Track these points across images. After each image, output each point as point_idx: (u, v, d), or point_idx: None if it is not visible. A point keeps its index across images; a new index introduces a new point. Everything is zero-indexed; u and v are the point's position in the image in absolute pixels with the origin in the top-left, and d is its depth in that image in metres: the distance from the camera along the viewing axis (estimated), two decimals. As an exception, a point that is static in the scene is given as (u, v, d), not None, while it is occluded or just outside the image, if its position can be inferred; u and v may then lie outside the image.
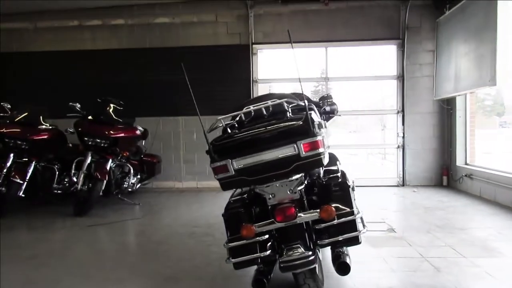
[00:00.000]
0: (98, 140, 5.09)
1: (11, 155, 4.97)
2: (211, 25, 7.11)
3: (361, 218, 2.30)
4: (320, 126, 2.18)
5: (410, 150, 7.04)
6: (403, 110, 7.02)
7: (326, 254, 2.87)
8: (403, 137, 7.04)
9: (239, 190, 2.64)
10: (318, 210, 2.19)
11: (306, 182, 2.39)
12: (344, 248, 2.38)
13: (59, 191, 5.44)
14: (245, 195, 2.49)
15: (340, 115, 3.84)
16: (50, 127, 5.34)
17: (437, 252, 3.40)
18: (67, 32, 7.29)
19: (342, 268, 2.21)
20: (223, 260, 2.35)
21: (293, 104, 2.31)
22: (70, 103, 5.15)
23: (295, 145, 2.09)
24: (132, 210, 5.53)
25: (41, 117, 5.30)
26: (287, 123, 2.14)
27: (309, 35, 6.97)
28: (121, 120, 5.33)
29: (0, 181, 4.84)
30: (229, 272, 2.38)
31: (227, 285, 2.83)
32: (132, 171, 5.79)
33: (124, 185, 5.74)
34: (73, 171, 5.23)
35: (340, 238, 2.21)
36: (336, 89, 8.20)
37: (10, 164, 4.93)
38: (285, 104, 2.21)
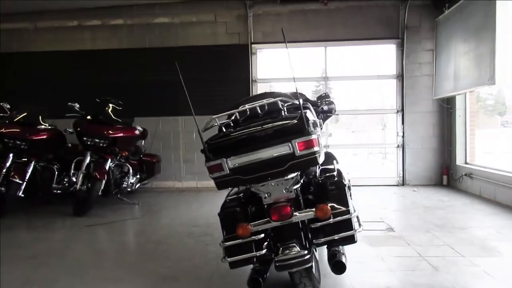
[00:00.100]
0: (97, 140, 5.09)
1: (11, 155, 4.97)
2: (210, 25, 7.12)
3: (357, 217, 2.30)
4: (315, 124, 2.18)
5: (410, 150, 7.03)
6: (402, 110, 7.01)
7: (323, 253, 2.86)
8: (403, 136, 7.03)
9: (235, 189, 2.64)
10: (314, 209, 2.19)
11: (302, 181, 2.39)
12: (340, 247, 2.38)
13: (58, 191, 5.43)
14: (241, 194, 2.49)
15: (338, 114, 3.84)
16: (49, 127, 5.35)
17: (435, 251, 3.39)
18: (67, 32, 7.30)
19: (338, 267, 2.20)
20: (220, 259, 2.35)
21: (288, 103, 2.30)
22: (69, 103, 5.15)
23: (290, 144, 2.08)
24: (131, 210, 5.54)
25: (40, 117, 5.30)
26: (281, 122, 2.14)
27: (308, 34, 6.97)
28: (120, 120, 5.33)
29: (-1, 181, 4.86)
30: (227, 271, 2.38)
31: (224, 284, 2.83)
32: (131, 171, 5.79)
33: (123, 185, 5.74)
34: (72, 171, 5.23)
35: (336, 237, 2.20)
36: (337, 89, 8.20)
37: (10, 164, 4.93)
38: (280, 103, 2.20)
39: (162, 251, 3.66)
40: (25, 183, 4.93)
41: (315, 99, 3.57)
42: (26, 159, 5.07)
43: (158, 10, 7.14)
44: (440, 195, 6.02)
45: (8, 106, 5.46)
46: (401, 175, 7.07)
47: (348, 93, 8.51)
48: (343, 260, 2.22)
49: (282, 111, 2.21)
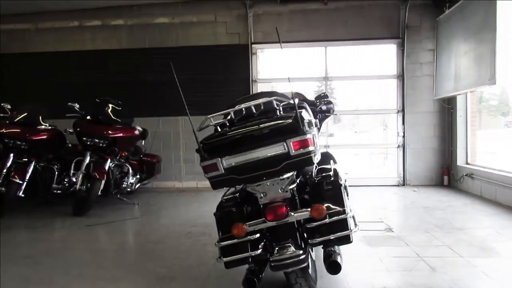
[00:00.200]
0: (97, 140, 5.10)
1: (11, 155, 4.99)
2: (210, 25, 7.12)
3: (353, 217, 2.29)
4: (310, 124, 2.17)
5: (410, 150, 7.01)
6: (403, 110, 6.99)
7: (320, 253, 2.85)
8: (404, 136, 7.01)
9: (232, 189, 2.64)
10: (309, 209, 2.18)
11: (298, 181, 2.39)
12: (336, 247, 2.37)
13: (58, 191, 5.45)
14: (237, 194, 2.48)
15: (336, 114, 3.84)
16: (49, 127, 5.36)
17: (434, 251, 3.37)
18: (68, 33, 7.33)
19: (333, 267, 2.19)
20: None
21: (284, 103, 2.29)
22: (69, 103, 5.17)
23: (284, 144, 2.08)
24: (131, 210, 5.55)
25: (40, 117, 5.32)
26: (276, 121, 2.13)
27: (309, 34, 6.96)
28: (119, 120, 5.34)
29: (0, 181, 4.86)
30: (223, 271, 2.38)
31: (220, 284, 2.83)
32: (131, 171, 5.80)
33: (123, 185, 5.75)
34: (72, 171, 5.25)
35: (332, 237, 2.19)
36: (338, 89, 8.19)
37: (10, 164, 4.95)
38: (275, 102, 2.19)
39: (160, 250, 3.67)
40: (25, 183, 4.94)
41: (313, 99, 3.57)
42: (26, 159, 5.07)
43: (158, 10, 7.15)
44: (440, 196, 6.00)
45: (9, 107, 5.48)
46: (402, 175, 7.05)
47: (349, 93, 8.49)
48: (339, 260, 2.21)
49: (278, 111, 2.20)
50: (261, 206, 2.26)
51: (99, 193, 5.11)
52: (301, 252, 2.17)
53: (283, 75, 7.32)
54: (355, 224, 2.28)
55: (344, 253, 3.23)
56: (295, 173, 2.30)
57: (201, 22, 7.13)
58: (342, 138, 10.37)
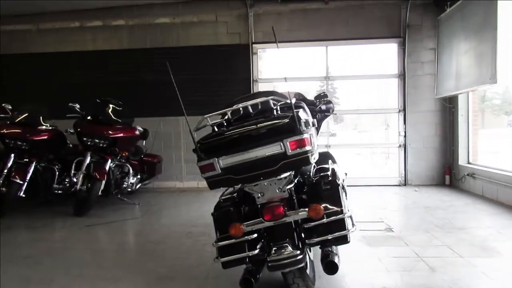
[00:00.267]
0: (97, 140, 5.10)
1: (12, 155, 5.00)
2: (211, 25, 7.11)
3: (351, 217, 2.28)
4: (307, 124, 2.16)
5: (412, 149, 6.98)
6: (404, 109, 6.96)
7: (319, 253, 2.85)
8: (405, 136, 6.99)
9: (230, 189, 2.64)
10: (307, 209, 2.17)
11: (296, 181, 2.38)
12: (334, 247, 2.36)
13: (59, 191, 5.45)
14: (235, 194, 2.48)
15: (336, 114, 3.82)
16: (50, 128, 5.38)
17: (434, 251, 3.36)
18: (69, 33, 7.34)
19: (330, 267, 2.19)
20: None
21: (282, 102, 2.28)
22: (70, 104, 5.18)
23: (281, 143, 2.08)
24: (131, 210, 5.55)
25: (41, 117, 5.33)
26: (273, 121, 2.13)
27: (309, 34, 6.94)
28: (120, 120, 5.34)
29: (1, 181, 4.88)
30: (222, 271, 2.37)
31: (219, 284, 2.82)
32: (131, 171, 5.81)
33: (124, 185, 5.76)
34: (73, 171, 5.26)
35: (329, 237, 2.19)
36: (340, 89, 8.17)
37: (11, 165, 4.96)
38: (271, 102, 2.19)
39: (160, 250, 3.67)
40: (26, 183, 4.95)
41: (312, 99, 3.56)
42: (27, 160, 5.08)
43: (159, 10, 7.14)
44: (441, 195, 5.97)
45: (10, 107, 5.50)
46: (403, 175, 7.02)
47: (351, 93, 8.46)
48: (336, 260, 2.20)
49: (275, 110, 2.19)
50: (259, 206, 2.26)
51: (100, 193, 5.12)
52: (298, 252, 2.16)
53: (284, 74, 7.35)
54: (353, 224, 2.27)
55: (344, 253, 3.23)
56: (293, 173, 2.29)
57: (202, 22, 7.13)
58: (344, 137, 10.35)
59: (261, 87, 7.16)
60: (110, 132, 5.19)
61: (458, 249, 3.38)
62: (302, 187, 2.42)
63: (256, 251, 2.22)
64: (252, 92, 6.98)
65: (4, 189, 4.86)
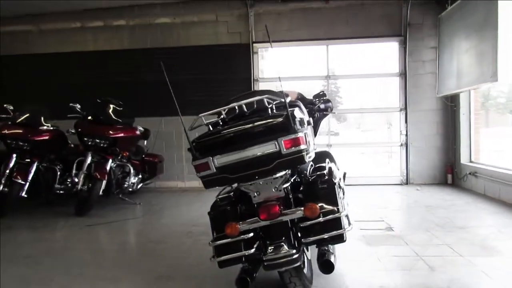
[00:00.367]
0: (98, 140, 5.11)
1: (14, 155, 5.03)
2: (211, 24, 7.12)
3: (347, 216, 2.27)
4: (302, 122, 2.16)
5: (413, 148, 6.95)
6: (406, 108, 6.93)
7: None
8: (406, 135, 6.96)
9: (227, 188, 2.63)
10: (302, 208, 2.17)
11: (292, 180, 2.37)
12: (331, 246, 2.36)
13: (61, 191, 5.46)
14: (231, 193, 2.48)
15: (334, 113, 3.82)
16: (51, 128, 5.40)
17: (433, 251, 3.34)
18: (70, 34, 7.37)
19: (326, 266, 2.19)
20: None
21: (277, 101, 2.28)
22: (71, 104, 5.21)
23: (276, 142, 2.07)
24: (132, 210, 5.57)
25: (42, 118, 5.36)
26: (267, 120, 2.12)
27: (310, 33, 6.94)
28: (120, 120, 5.35)
29: (3, 181, 4.90)
30: (220, 271, 2.37)
31: (217, 283, 2.82)
32: (132, 171, 5.82)
33: (125, 185, 5.77)
34: (74, 172, 5.27)
35: (326, 235, 2.18)
36: (343, 88, 8.14)
37: (13, 165, 4.99)
38: (266, 101, 2.18)
39: (160, 250, 3.67)
40: (27, 183, 4.97)
41: (311, 98, 3.56)
42: (29, 160, 5.10)
43: (159, 10, 7.16)
44: (443, 194, 5.95)
45: (11, 108, 5.51)
46: (405, 174, 7.00)
47: (352, 92, 8.44)
48: (332, 259, 2.20)
49: (269, 109, 2.19)
50: (255, 205, 2.26)
51: (101, 193, 5.12)
52: (294, 251, 2.16)
53: (286, 74, 7.35)
54: (349, 223, 2.27)
55: (343, 252, 3.24)
56: (289, 171, 2.29)
57: (202, 22, 7.14)
58: (347, 137, 10.33)
59: (262, 86, 7.15)
60: (111, 132, 5.20)
61: (458, 248, 3.36)
62: (299, 186, 2.42)
63: (252, 250, 2.22)
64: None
65: (6, 189, 4.87)
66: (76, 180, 5.15)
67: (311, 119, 2.68)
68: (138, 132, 5.65)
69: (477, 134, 6.55)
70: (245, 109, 2.26)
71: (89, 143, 5.13)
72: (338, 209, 2.20)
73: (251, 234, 2.23)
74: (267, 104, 2.18)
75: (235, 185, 2.41)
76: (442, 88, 6.51)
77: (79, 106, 5.24)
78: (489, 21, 4.82)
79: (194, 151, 2.19)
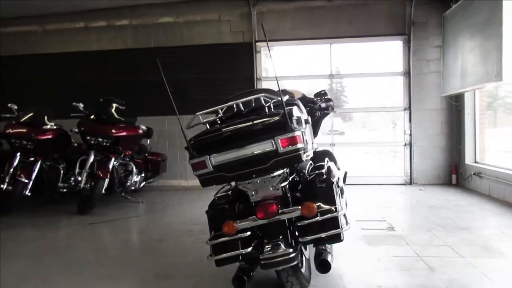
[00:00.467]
0: (100, 139, 5.15)
1: (18, 154, 5.07)
2: (214, 23, 7.13)
3: (345, 215, 2.26)
4: (299, 121, 2.15)
5: (417, 148, 6.91)
6: (409, 107, 6.89)
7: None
8: (410, 134, 6.92)
9: (227, 187, 2.63)
10: (300, 207, 2.16)
11: (290, 179, 2.37)
12: (328, 246, 2.35)
13: (64, 190, 5.51)
14: (229, 192, 2.48)
15: (335, 112, 3.79)
16: (55, 127, 5.44)
17: (434, 251, 3.31)
18: (74, 34, 7.43)
19: (322, 265, 2.18)
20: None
21: (275, 100, 2.27)
22: (74, 103, 5.25)
23: (273, 141, 2.06)
24: (135, 208, 5.59)
25: (45, 117, 5.39)
26: (264, 119, 2.12)
27: (313, 32, 6.92)
28: (122, 119, 5.38)
29: (7, 180, 4.94)
30: (219, 269, 2.37)
31: (214, 282, 2.82)
32: (135, 169, 5.84)
33: (128, 184, 5.79)
34: (77, 170, 5.31)
35: (323, 235, 2.17)
36: (347, 86, 8.11)
37: (17, 164, 5.03)
38: (262, 99, 2.18)
39: (160, 248, 3.68)
40: (31, 182, 5.01)
41: (312, 97, 3.54)
42: (32, 159, 5.14)
43: (162, 10, 7.19)
44: (447, 195, 5.90)
45: (16, 107, 5.56)
46: (409, 174, 6.95)
47: (356, 91, 8.41)
48: (329, 259, 2.19)
49: (266, 108, 2.18)
50: (253, 204, 2.25)
51: (103, 191, 5.15)
52: (291, 250, 2.15)
53: (289, 73, 7.34)
54: (347, 223, 2.25)
55: (343, 252, 3.24)
56: (288, 170, 2.28)
57: (205, 21, 7.15)
58: (353, 136, 10.29)
59: (265, 85, 7.14)
60: (113, 131, 5.23)
61: (459, 249, 3.33)
62: (298, 185, 2.41)
63: (249, 249, 2.21)
64: (255, 90, 6.98)
65: (10, 187, 4.91)
66: (79, 178, 5.19)
67: (309, 118, 2.67)
68: (140, 131, 5.67)
69: (482, 134, 6.48)
70: (242, 108, 2.25)
71: (92, 142, 5.17)
72: (335, 208, 2.19)
73: (248, 233, 2.23)
74: (264, 103, 2.17)
75: (234, 183, 2.41)
76: (447, 88, 6.45)
77: (82, 105, 5.28)
78: (493, 20, 4.77)
79: (191, 150, 2.19)
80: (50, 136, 5.29)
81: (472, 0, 5.40)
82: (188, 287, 2.79)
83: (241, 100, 2.24)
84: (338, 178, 2.52)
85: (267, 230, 2.23)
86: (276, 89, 2.80)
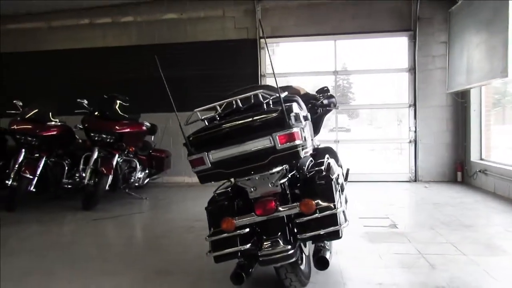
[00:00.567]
0: (104, 136, 5.17)
1: (22, 151, 5.12)
2: (218, 20, 7.13)
3: (344, 212, 2.25)
4: (297, 117, 2.14)
5: (422, 145, 6.85)
6: (415, 104, 6.83)
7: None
8: (415, 131, 6.86)
9: (226, 184, 2.63)
10: (298, 204, 2.16)
11: (290, 175, 2.36)
12: (327, 243, 2.34)
13: (69, 186, 5.55)
14: (229, 189, 2.48)
15: (338, 108, 3.77)
16: (59, 123, 5.47)
17: (436, 249, 3.29)
18: (79, 31, 7.46)
19: (321, 262, 2.17)
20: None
21: (274, 96, 2.26)
22: (78, 100, 5.29)
23: (270, 137, 2.05)
24: (138, 204, 5.62)
25: (50, 113, 5.43)
26: (262, 115, 2.11)
27: (317, 28, 6.88)
28: (126, 116, 5.41)
29: (12, 176, 4.99)
30: (218, 266, 2.38)
31: (214, 278, 2.82)
32: (138, 166, 5.87)
33: (131, 180, 5.82)
34: (81, 166, 5.34)
35: (321, 231, 2.16)
36: (355, 84, 8.07)
37: (21, 160, 5.08)
38: (260, 96, 2.17)
39: (161, 245, 3.70)
40: (36, 178, 5.06)
41: (314, 93, 3.52)
42: (37, 155, 5.19)
43: (167, 6, 7.19)
44: (452, 192, 5.85)
45: (21, 104, 5.60)
46: (414, 171, 6.90)
47: (361, 88, 8.37)
48: (327, 256, 2.18)
49: (265, 104, 2.17)
50: (252, 200, 2.25)
51: (107, 187, 5.19)
52: (289, 247, 2.14)
53: (294, 69, 7.31)
54: (346, 220, 2.24)
55: (344, 249, 3.23)
56: (287, 167, 2.27)
57: (209, 18, 7.14)
58: (359, 133, 10.25)
59: (269, 82, 7.12)
60: (117, 127, 5.25)
61: (462, 247, 3.30)
62: (297, 182, 2.40)
63: (248, 246, 2.21)
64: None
65: (15, 183, 4.97)
66: (83, 174, 5.22)
67: (309, 115, 2.65)
68: (144, 128, 5.70)
69: (488, 131, 6.41)
70: (240, 104, 2.24)
71: (96, 138, 5.19)
72: (334, 205, 2.18)
73: (247, 230, 2.22)
74: (262, 99, 2.16)
75: (233, 180, 2.41)
76: (453, 84, 6.39)
77: (86, 102, 5.32)
78: (499, 16, 4.72)
79: (190, 146, 2.19)
80: (54, 133, 5.33)
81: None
82: (188, 283, 2.79)
83: (240, 96, 2.23)
84: (338, 175, 2.50)
85: (266, 226, 2.22)
86: (271, 85, 2.81)
